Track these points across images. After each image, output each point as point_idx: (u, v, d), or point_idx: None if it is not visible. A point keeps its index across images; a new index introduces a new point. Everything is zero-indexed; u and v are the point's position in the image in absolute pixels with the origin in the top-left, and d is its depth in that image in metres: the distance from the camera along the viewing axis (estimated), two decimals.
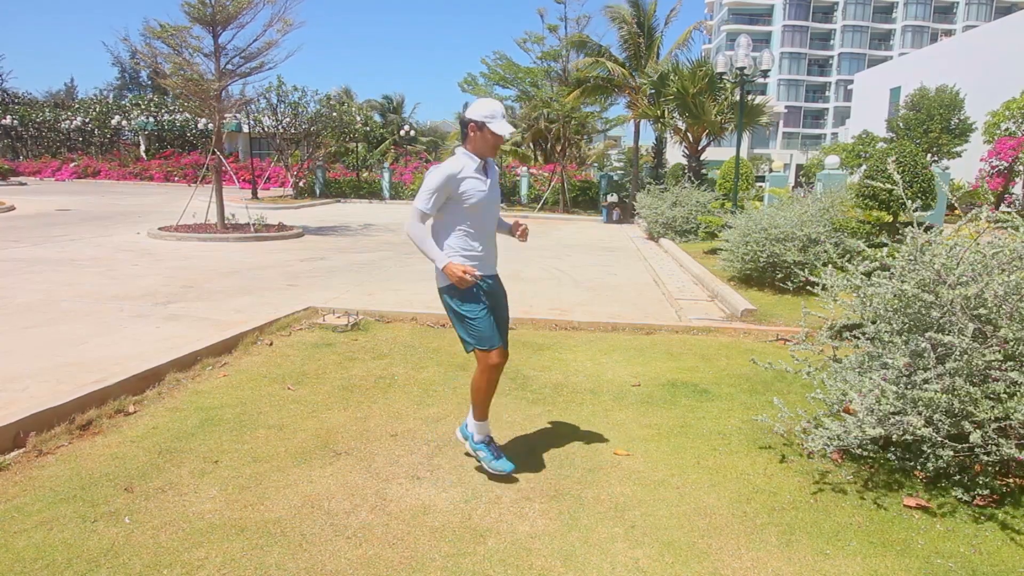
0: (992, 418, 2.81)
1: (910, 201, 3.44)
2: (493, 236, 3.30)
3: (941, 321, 3.08)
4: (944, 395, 2.86)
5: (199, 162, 29.17)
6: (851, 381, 3.26)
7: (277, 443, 3.61)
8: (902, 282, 3.17)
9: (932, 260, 3.13)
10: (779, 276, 7.84)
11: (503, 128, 3.07)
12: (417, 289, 8.13)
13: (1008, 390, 2.86)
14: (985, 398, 2.87)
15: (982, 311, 2.99)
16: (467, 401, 3.62)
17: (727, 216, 9.92)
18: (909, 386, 3.02)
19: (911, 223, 3.41)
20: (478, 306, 3.12)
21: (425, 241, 3.07)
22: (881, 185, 4.03)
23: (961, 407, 2.90)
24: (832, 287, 3.57)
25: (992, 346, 2.92)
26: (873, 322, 3.42)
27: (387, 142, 38.10)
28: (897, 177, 3.40)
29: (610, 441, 3.73)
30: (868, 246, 3.61)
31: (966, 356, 2.88)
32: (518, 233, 3.37)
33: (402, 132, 36.28)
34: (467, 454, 3.46)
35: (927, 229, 3.37)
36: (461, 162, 3.11)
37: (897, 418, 2.94)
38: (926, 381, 2.95)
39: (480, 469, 3.33)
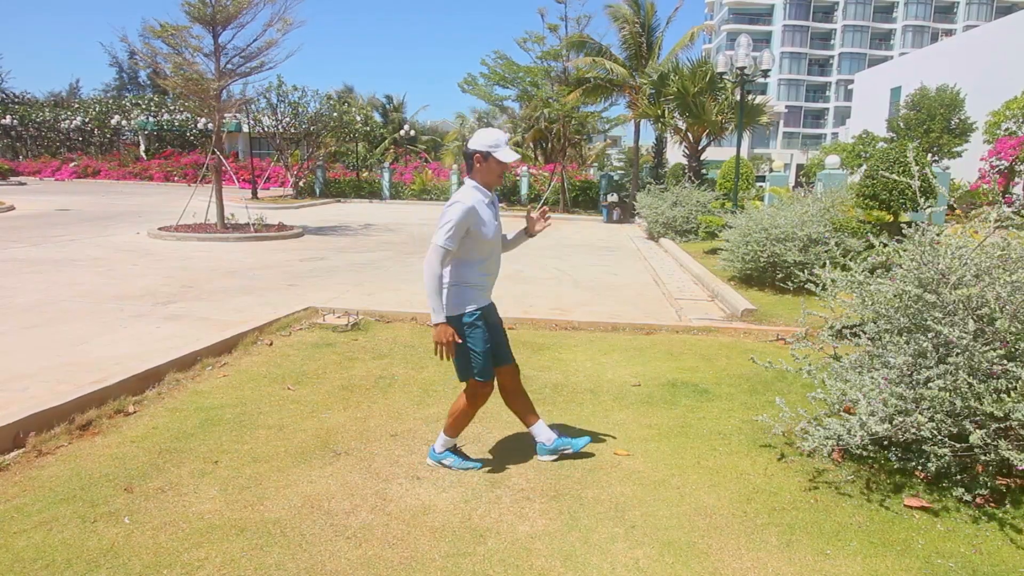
0: (993, 414, 2.81)
1: (923, 199, 3.44)
2: (498, 266, 3.37)
3: (943, 322, 3.07)
4: (947, 392, 2.85)
5: (199, 162, 29.15)
6: (852, 381, 3.25)
7: (277, 443, 3.61)
8: (904, 283, 3.17)
9: (937, 260, 3.13)
10: (779, 276, 7.83)
11: (508, 156, 3.12)
12: (417, 289, 8.12)
13: (1009, 385, 2.86)
14: (989, 393, 2.86)
15: (985, 311, 2.98)
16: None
17: (727, 216, 9.92)
18: (911, 385, 3.02)
19: (912, 223, 3.41)
20: (482, 339, 3.19)
21: (435, 293, 3.03)
22: (889, 178, 4.03)
23: (964, 405, 2.89)
24: (831, 286, 3.56)
25: (994, 345, 2.92)
26: (874, 321, 3.41)
27: (387, 141, 38.08)
28: (897, 177, 3.41)
29: (610, 441, 3.73)
30: (869, 246, 3.61)
31: (967, 352, 2.88)
32: (537, 217, 3.42)
33: (402, 132, 36.27)
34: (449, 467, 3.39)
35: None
36: (473, 195, 3.10)
37: (901, 418, 2.94)
38: (928, 380, 2.94)
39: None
